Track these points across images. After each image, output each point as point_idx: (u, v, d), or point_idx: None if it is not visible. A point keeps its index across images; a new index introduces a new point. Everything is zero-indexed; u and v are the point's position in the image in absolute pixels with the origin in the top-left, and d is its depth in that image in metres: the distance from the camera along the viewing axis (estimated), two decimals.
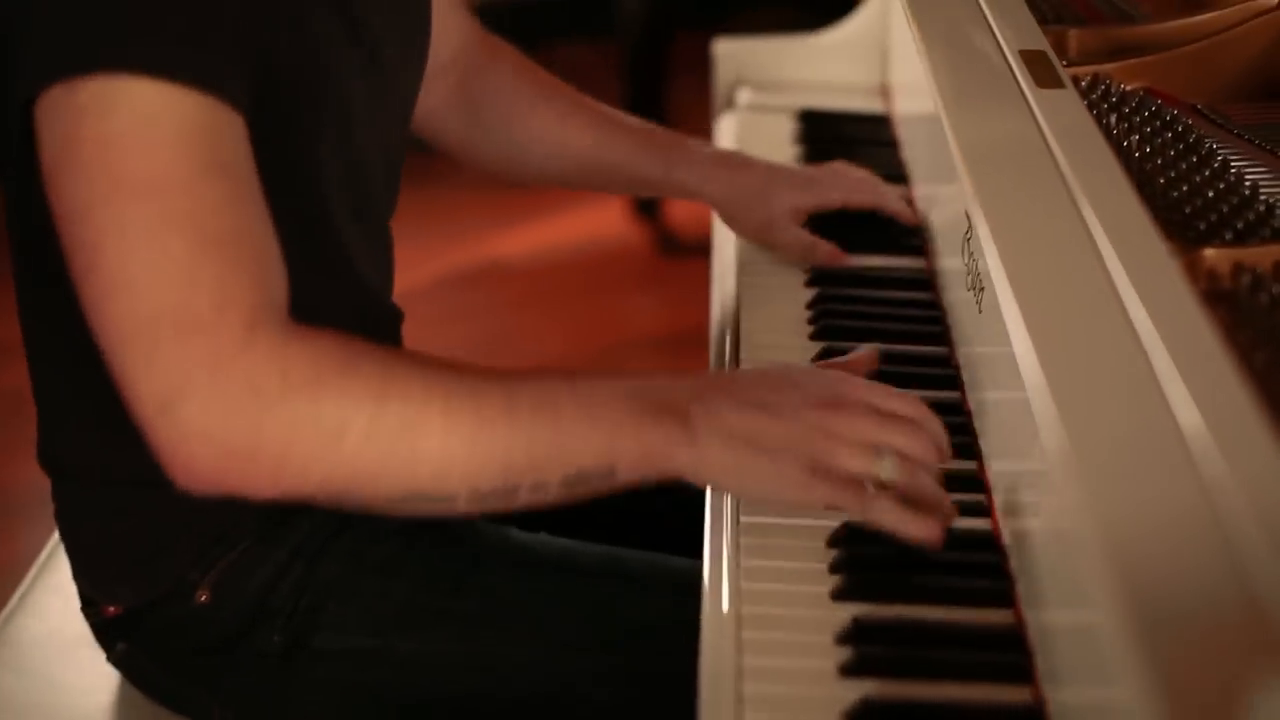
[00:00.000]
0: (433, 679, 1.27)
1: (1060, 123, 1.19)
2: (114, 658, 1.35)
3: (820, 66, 2.02)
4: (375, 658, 1.27)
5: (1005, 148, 1.19)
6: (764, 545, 1.13)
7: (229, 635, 1.27)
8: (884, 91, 1.99)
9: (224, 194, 1.00)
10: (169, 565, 1.27)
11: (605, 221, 3.56)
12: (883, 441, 1.06)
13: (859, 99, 1.97)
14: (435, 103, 1.53)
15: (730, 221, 1.60)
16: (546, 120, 1.58)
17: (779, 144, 1.85)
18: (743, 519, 1.16)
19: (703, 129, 1.71)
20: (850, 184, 1.61)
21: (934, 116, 1.33)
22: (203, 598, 1.26)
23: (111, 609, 1.31)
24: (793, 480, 1.05)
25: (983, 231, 1.08)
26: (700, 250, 2.01)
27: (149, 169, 0.97)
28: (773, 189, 1.57)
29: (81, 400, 1.23)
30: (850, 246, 1.56)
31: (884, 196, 1.61)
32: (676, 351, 2.80)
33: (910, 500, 1.05)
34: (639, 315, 3.18)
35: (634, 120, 1.62)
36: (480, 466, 1.01)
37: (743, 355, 1.38)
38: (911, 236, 1.60)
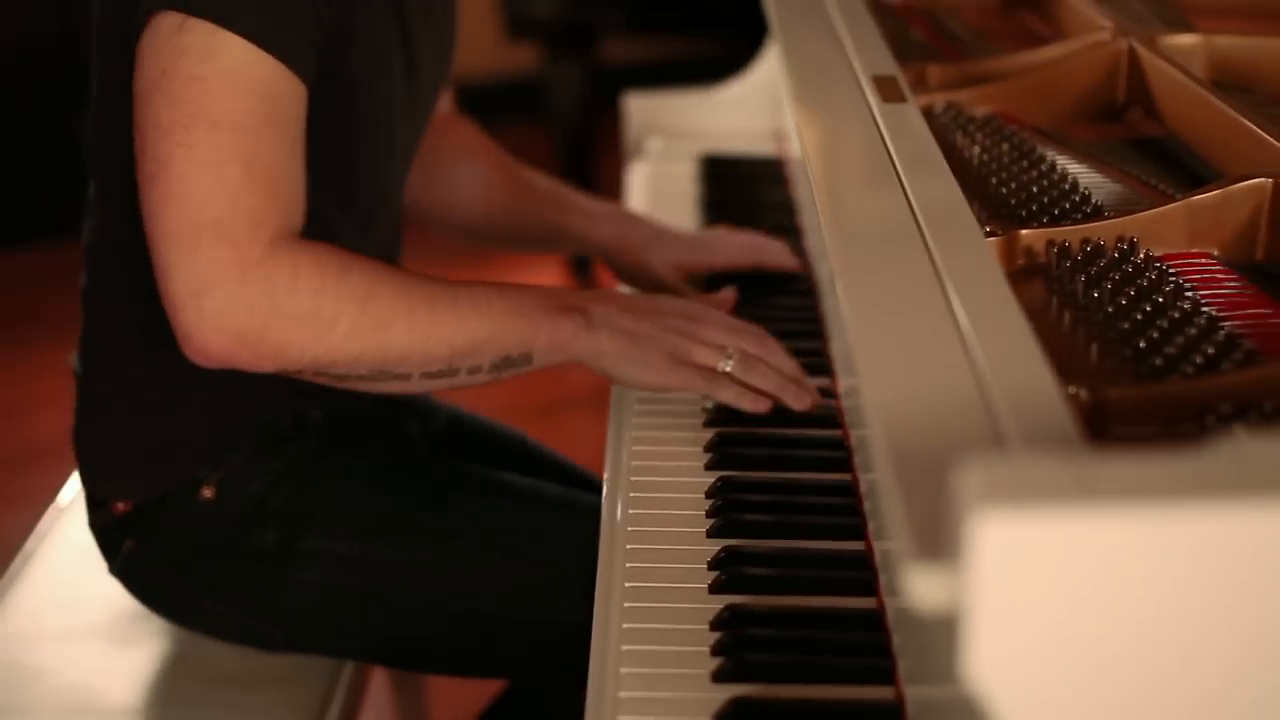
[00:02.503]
0: (407, 581, 1.46)
1: (897, 129, 1.37)
2: (119, 561, 1.51)
3: (721, 116, 2.21)
4: (357, 561, 1.46)
5: (849, 153, 1.37)
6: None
7: (228, 532, 1.46)
8: (778, 136, 2.18)
9: (278, 144, 1.25)
10: (181, 461, 1.46)
11: (542, 283, 3.74)
12: (728, 343, 1.38)
13: (756, 144, 2.17)
14: None
15: (614, 266, 1.78)
16: (480, 169, 1.79)
17: (683, 184, 2.04)
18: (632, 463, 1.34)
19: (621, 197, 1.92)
20: (732, 247, 1.77)
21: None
22: (207, 494, 1.45)
23: (120, 506, 1.48)
24: (660, 366, 1.37)
25: (823, 220, 1.25)
26: None
27: (227, 109, 1.22)
28: (657, 243, 1.76)
29: (130, 304, 1.43)
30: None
31: (763, 253, 1.76)
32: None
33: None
34: (577, 372, 3.34)
35: (540, 177, 1.83)
36: (433, 352, 1.30)
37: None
38: (794, 281, 1.74)
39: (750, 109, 2.20)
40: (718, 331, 1.40)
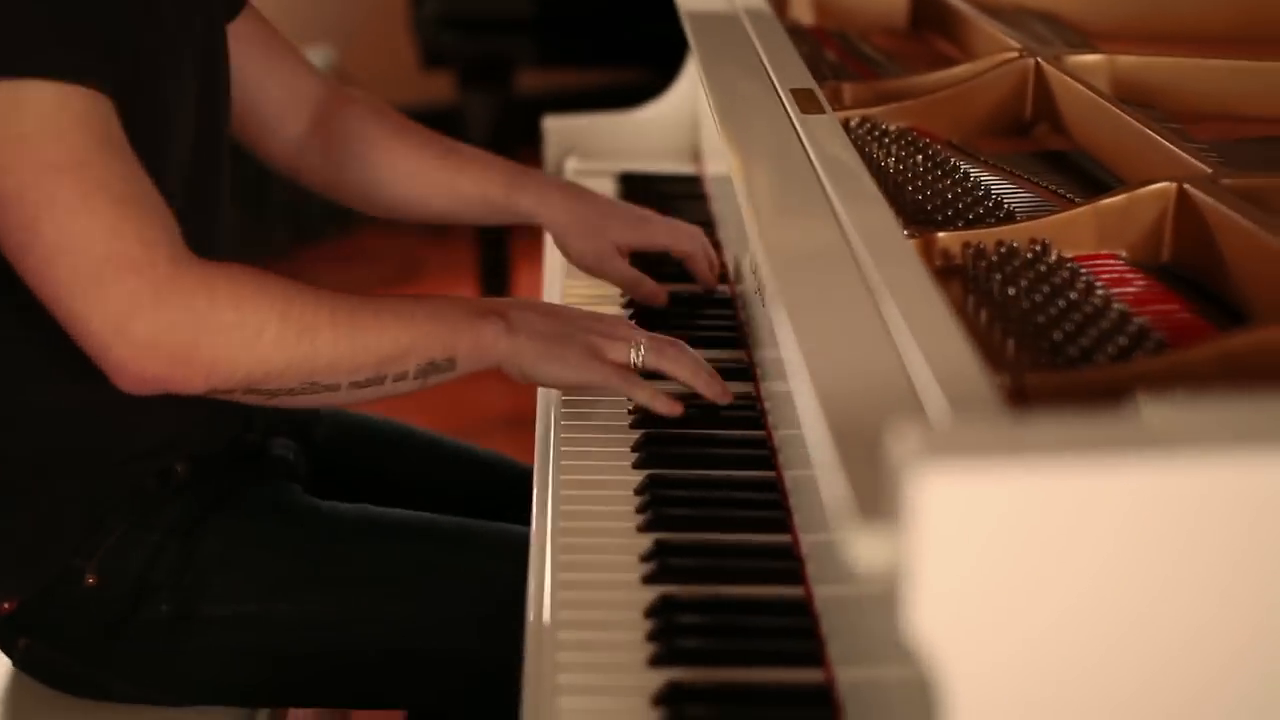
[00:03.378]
0: (310, 636, 1.46)
1: (818, 138, 1.42)
2: (17, 656, 1.50)
3: (639, 137, 2.25)
4: (258, 621, 1.45)
5: (774, 162, 1.41)
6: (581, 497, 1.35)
7: (120, 612, 1.44)
8: (695, 155, 2.22)
9: (122, 163, 1.25)
10: (54, 553, 1.44)
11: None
12: (637, 337, 1.43)
13: (674, 162, 2.21)
14: (294, 142, 1.73)
15: (563, 246, 1.75)
16: (401, 152, 1.75)
17: None
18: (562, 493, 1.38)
19: None
20: (678, 232, 1.77)
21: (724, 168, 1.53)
22: (90, 580, 1.43)
23: (6, 605, 1.47)
24: (575, 362, 1.40)
25: (750, 228, 1.29)
26: None
27: (63, 152, 1.22)
28: (608, 221, 1.74)
29: None
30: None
31: (698, 254, 1.76)
32: (529, 431, 2.95)
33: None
34: (488, 396, 3.38)
35: (476, 150, 1.78)
36: (359, 360, 1.32)
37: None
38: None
39: (667, 129, 2.24)
40: (627, 329, 1.45)
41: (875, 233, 1.20)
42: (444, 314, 1.37)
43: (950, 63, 1.93)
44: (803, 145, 1.41)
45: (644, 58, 3.60)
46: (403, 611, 1.46)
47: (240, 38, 1.59)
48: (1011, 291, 1.24)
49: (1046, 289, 1.24)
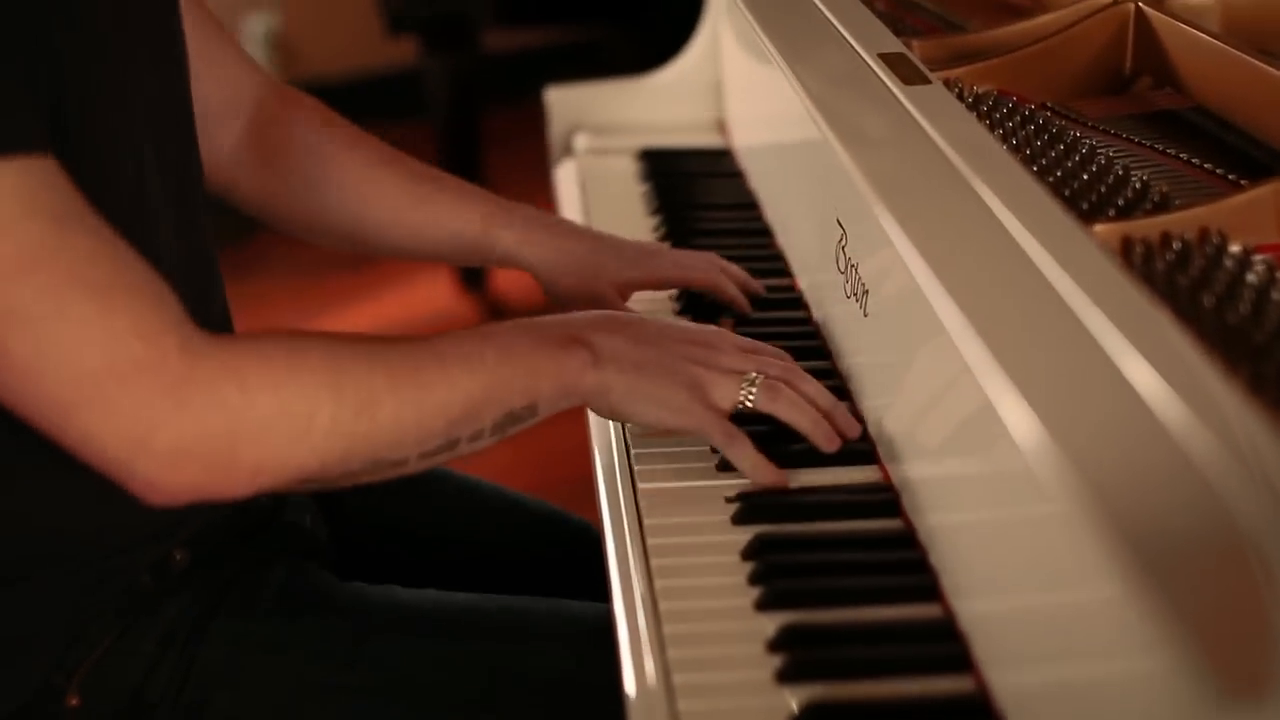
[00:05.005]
0: None
1: (936, 115, 1.18)
2: None
3: (654, 107, 1.99)
4: None
5: (889, 145, 1.17)
6: (676, 566, 1.10)
7: None
8: (721, 126, 1.98)
9: (90, 241, 0.97)
10: (30, 669, 1.16)
11: (431, 297, 3.52)
12: (749, 368, 1.19)
13: (696, 135, 1.96)
14: (227, 152, 1.44)
15: (551, 289, 1.48)
16: (352, 169, 1.46)
17: (626, 184, 1.83)
18: (648, 541, 1.13)
19: (524, 197, 1.60)
20: (688, 262, 1.49)
21: (783, 142, 1.29)
22: (73, 702, 1.16)
23: None
24: (676, 403, 1.17)
25: (890, 227, 1.05)
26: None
27: (13, 249, 0.94)
28: (600, 259, 1.46)
29: None
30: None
31: (721, 280, 1.47)
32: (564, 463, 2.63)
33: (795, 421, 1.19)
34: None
35: (450, 177, 1.50)
36: (428, 427, 1.08)
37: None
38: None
39: (686, 97, 1.99)
40: (736, 357, 1.21)
41: (1053, 235, 0.96)
42: (518, 351, 1.13)
43: (1014, 10, 1.70)
44: (919, 125, 1.17)
45: (608, 14, 3.43)
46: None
47: None
48: (1208, 301, 1.01)
49: (1249, 295, 1.01)
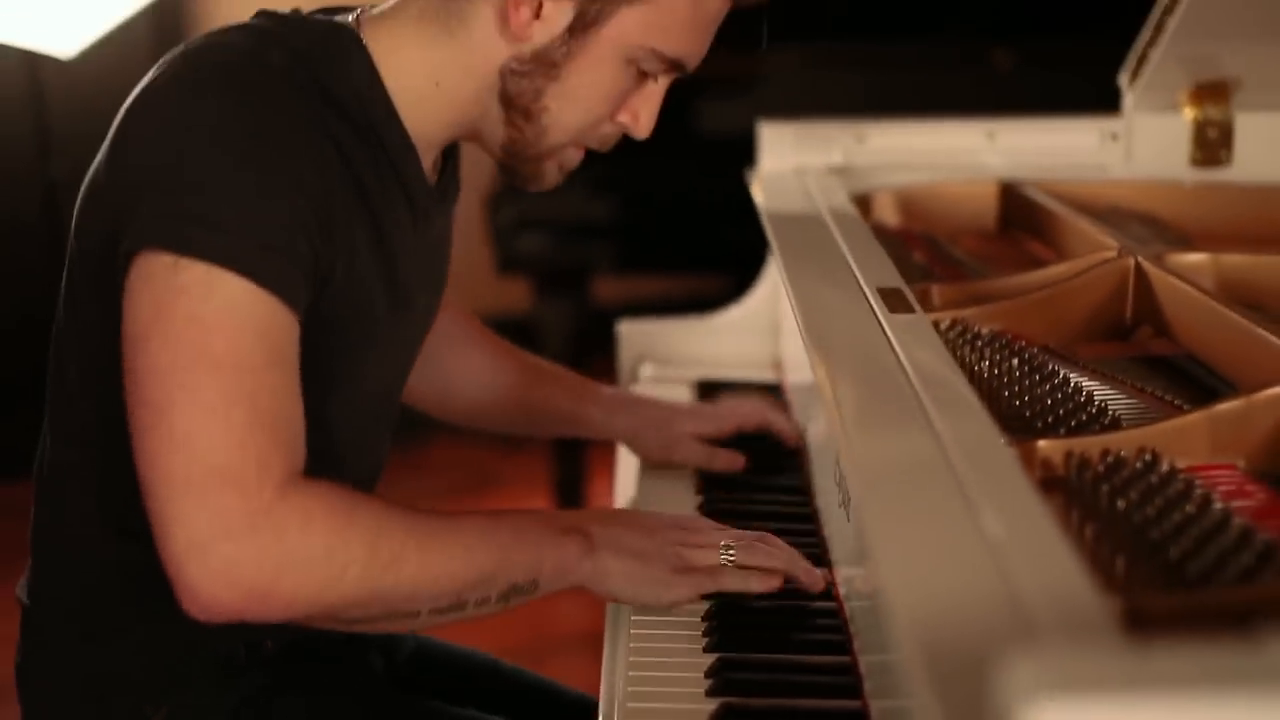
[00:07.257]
0: None
1: (907, 340, 1.32)
2: None
3: (717, 343, 2.17)
4: None
5: (861, 365, 1.31)
6: None
7: None
8: (775, 365, 2.13)
9: (279, 381, 1.19)
10: (126, 696, 1.36)
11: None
12: (723, 540, 1.38)
13: (752, 371, 2.12)
14: None
15: (635, 446, 1.78)
16: (478, 358, 1.76)
17: None
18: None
19: None
20: (743, 412, 1.81)
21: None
22: None
23: None
24: (668, 581, 1.34)
25: (837, 437, 1.19)
26: None
27: (228, 349, 1.16)
28: (674, 418, 1.78)
29: (83, 538, 1.36)
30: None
31: (771, 418, 1.81)
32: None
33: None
34: (567, 617, 3.27)
35: (548, 363, 1.81)
36: (442, 589, 1.23)
37: None
38: (792, 456, 1.77)
39: (746, 335, 2.16)
40: (715, 534, 1.40)
41: (972, 442, 1.09)
42: (526, 534, 1.30)
43: (1042, 264, 1.84)
44: (892, 348, 1.31)
45: (724, 265, 3.51)
46: None
47: None
48: (1121, 505, 1.13)
49: (1159, 502, 1.13)
